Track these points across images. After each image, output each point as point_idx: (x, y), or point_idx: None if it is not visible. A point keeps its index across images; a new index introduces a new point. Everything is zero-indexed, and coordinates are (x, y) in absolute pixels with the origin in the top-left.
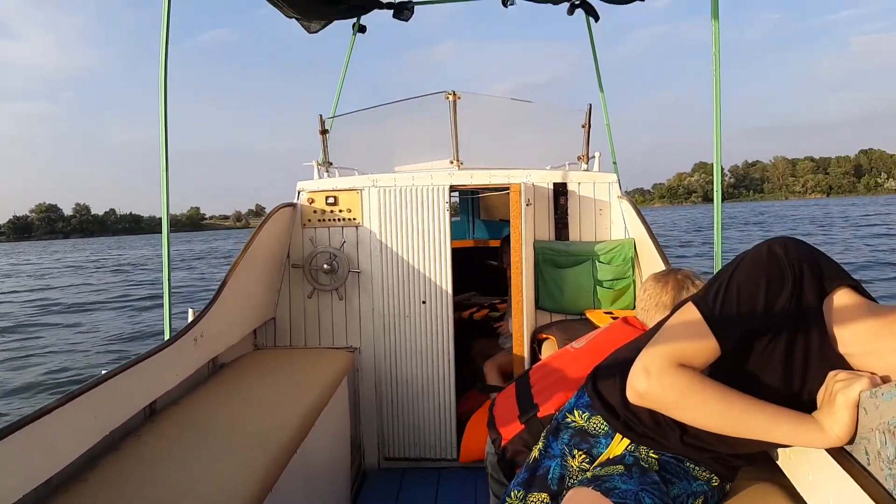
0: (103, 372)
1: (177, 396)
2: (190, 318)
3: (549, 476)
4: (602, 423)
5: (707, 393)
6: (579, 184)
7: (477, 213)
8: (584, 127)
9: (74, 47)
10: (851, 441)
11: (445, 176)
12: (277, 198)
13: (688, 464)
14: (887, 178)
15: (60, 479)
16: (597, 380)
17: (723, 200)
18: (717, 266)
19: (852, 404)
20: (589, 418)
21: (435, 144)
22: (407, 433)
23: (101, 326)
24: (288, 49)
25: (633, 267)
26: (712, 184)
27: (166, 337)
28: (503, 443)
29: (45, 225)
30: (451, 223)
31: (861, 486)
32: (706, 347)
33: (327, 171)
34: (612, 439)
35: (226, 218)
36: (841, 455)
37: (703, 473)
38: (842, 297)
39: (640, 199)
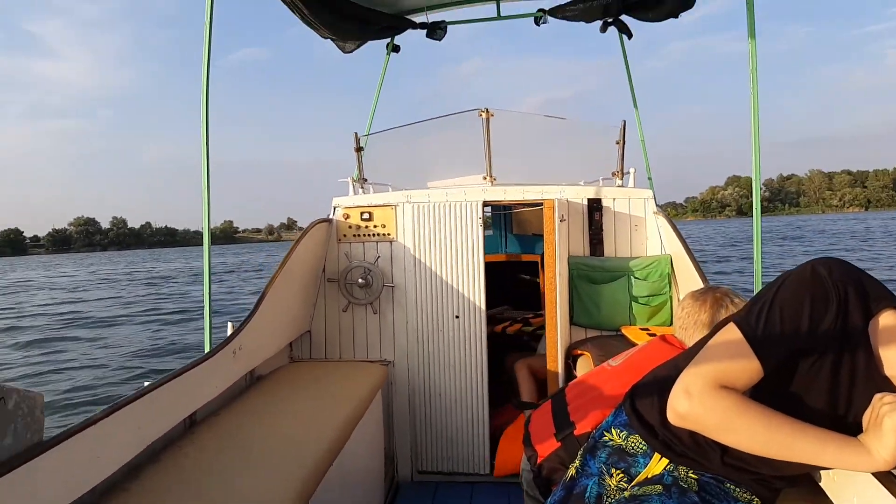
0: (146, 384)
1: (216, 408)
2: (229, 332)
3: (587, 495)
4: (640, 442)
5: (750, 415)
6: (614, 199)
7: (509, 227)
8: (618, 143)
9: (111, 67)
10: None
11: (479, 192)
12: (308, 211)
13: (728, 485)
14: None
15: (104, 488)
16: (635, 398)
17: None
18: (758, 284)
19: None
20: (627, 437)
21: (468, 160)
22: (440, 446)
23: (123, 341)
24: (319, 66)
25: (670, 283)
26: (746, 198)
27: (206, 349)
28: (539, 460)
29: (84, 238)
30: (485, 238)
31: None
32: (749, 369)
33: (362, 188)
34: (651, 458)
35: (258, 231)
36: (888, 479)
37: (744, 495)
38: (888, 319)
39: (672, 212)
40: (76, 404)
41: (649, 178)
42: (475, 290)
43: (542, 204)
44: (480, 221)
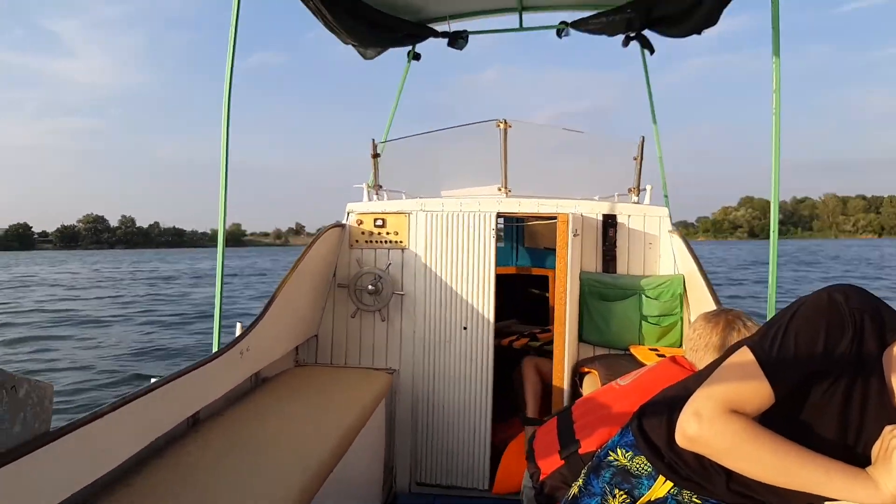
0: (153, 380)
1: (220, 408)
2: (238, 333)
3: None
4: (645, 464)
5: (759, 442)
6: (629, 216)
7: (521, 240)
8: (635, 159)
9: (127, 67)
10: None
11: (493, 203)
12: (317, 217)
13: None
14: None
15: (106, 481)
16: (643, 419)
17: (770, 237)
18: (771, 309)
19: None
20: (632, 458)
21: (483, 171)
22: (440, 459)
23: (111, 343)
24: (334, 73)
25: (682, 304)
26: (759, 219)
27: (214, 349)
28: (542, 477)
29: (92, 235)
30: (497, 249)
31: None
32: (760, 394)
33: (377, 194)
34: (655, 481)
35: (266, 235)
36: None
37: None
38: None
39: (683, 231)
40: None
41: (665, 196)
42: (485, 303)
43: (556, 217)
44: (493, 233)
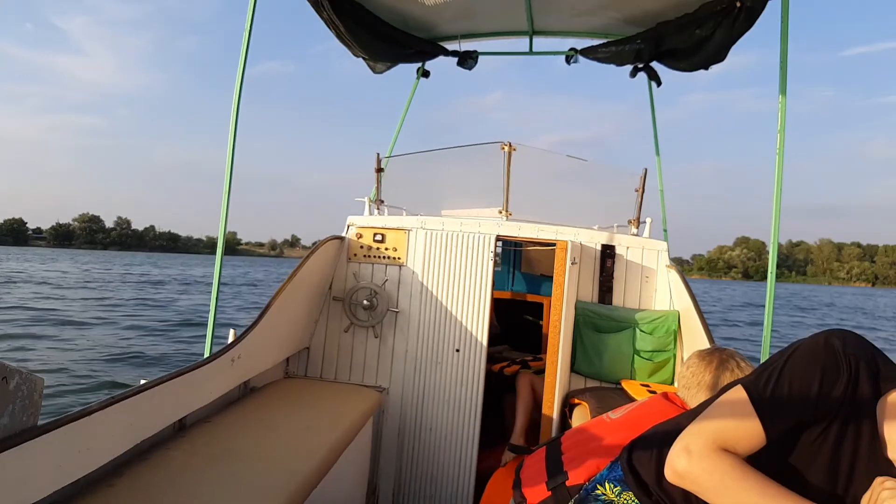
0: (142, 381)
1: (207, 414)
2: (230, 339)
3: None
4: (633, 500)
5: (747, 482)
6: (628, 248)
7: (518, 264)
8: (637, 191)
9: (133, 68)
10: None
11: (493, 225)
12: (313, 230)
13: None
14: None
15: (89, 480)
16: (633, 454)
17: (764, 279)
18: (766, 352)
19: None
20: (620, 493)
21: (484, 192)
22: (424, 482)
23: (87, 346)
24: (338, 88)
25: (676, 340)
26: (754, 260)
27: (206, 354)
28: None
29: (86, 235)
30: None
31: None
32: (752, 434)
33: (378, 209)
34: None
35: (261, 245)
36: None
37: None
38: None
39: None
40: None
41: (665, 230)
42: (479, 326)
43: (555, 244)
44: (492, 255)
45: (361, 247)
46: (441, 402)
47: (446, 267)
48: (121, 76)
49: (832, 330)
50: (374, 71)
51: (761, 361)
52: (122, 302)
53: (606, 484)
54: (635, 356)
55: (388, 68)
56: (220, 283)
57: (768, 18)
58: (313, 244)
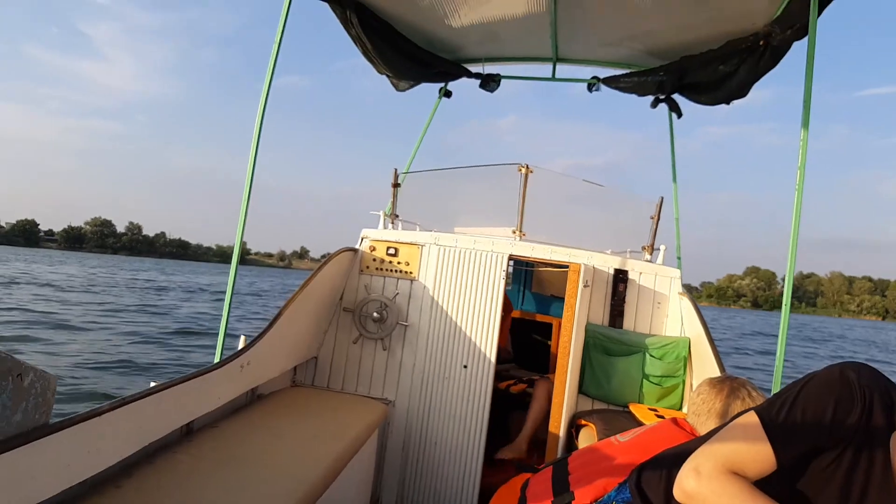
0: (152, 384)
1: (214, 419)
2: (241, 345)
3: None
4: None
5: None
6: (640, 273)
7: (529, 284)
8: (652, 218)
9: (154, 76)
10: None
11: (506, 245)
12: (322, 243)
13: None
14: None
15: (96, 480)
16: (641, 477)
17: (772, 309)
18: (777, 381)
19: None
20: None
21: (498, 211)
22: (427, 497)
23: (76, 352)
24: (354, 105)
25: (686, 367)
26: (764, 290)
27: (216, 359)
28: None
29: (97, 238)
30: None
31: None
32: (763, 459)
33: (392, 223)
34: None
35: (270, 255)
36: None
37: None
38: None
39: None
40: None
41: (678, 258)
42: (487, 343)
43: (567, 266)
44: (503, 275)
45: (374, 259)
46: (447, 417)
47: (457, 283)
48: (141, 83)
49: (847, 362)
50: (398, 89)
51: (773, 390)
52: (123, 307)
53: None
54: (644, 380)
55: (411, 87)
56: (233, 292)
57: (788, 56)
58: (322, 256)
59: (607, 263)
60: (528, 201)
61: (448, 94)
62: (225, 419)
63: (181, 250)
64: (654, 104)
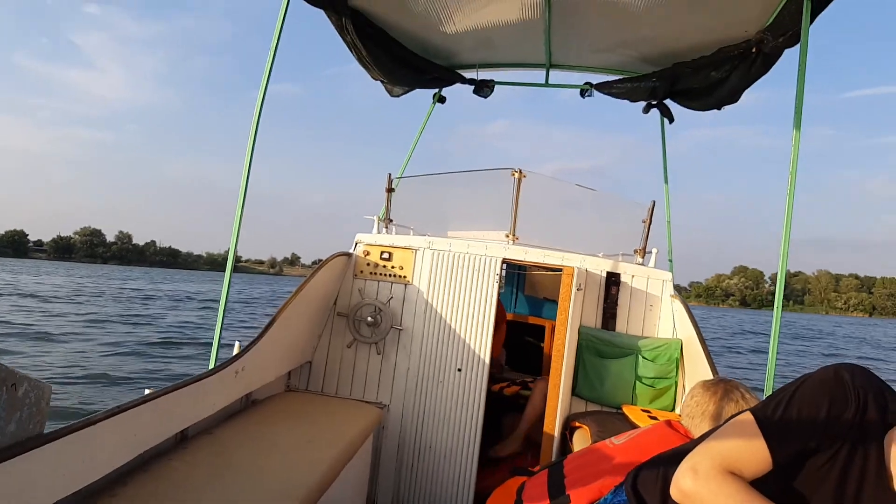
0: (146, 391)
1: (209, 426)
2: (235, 351)
3: None
4: None
5: None
6: (633, 276)
7: (522, 287)
8: (644, 222)
9: (146, 85)
10: None
11: (500, 248)
12: (313, 248)
13: None
14: None
15: (91, 490)
16: (637, 479)
17: (761, 307)
18: (770, 382)
19: None
20: None
21: (491, 215)
22: (422, 501)
23: (46, 365)
24: (344, 113)
25: (678, 368)
26: (752, 289)
27: (211, 365)
28: None
29: (87, 248)
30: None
31: None
32: (759, 458)
33: (386, 228)
34: None
35: (261, 263)
36: None
37: None
38: None
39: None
40: None
41: (670, 261)
42: (481, 346)
43: (560, 269)
44: (497, 278)
45: (368, 264)
46: (441, 421)
47: (451, 287)
48: (132, 92)
49: (841, 363)
50: (392, 94)
51: (766, 389)
52: (105, 317)
53: None
54: (637, 382)
55: (406, 92)
56: (227, 299)
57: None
58: (313, 263)
59: (600, 266)
60: (521, 205)
61: (442, 99)
62: (219, 425)
63: (171, 259)
64: (647, 109)
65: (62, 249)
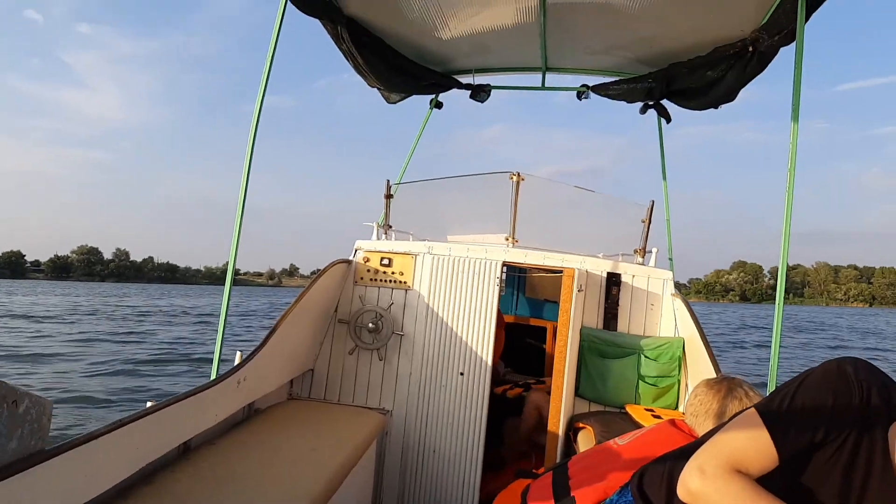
0: (148, 404)
1: (212, 437)
2: (237, 361)
3: None
4: None
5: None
6: (633, 276)
7: (523, 289)
8: (643, 221)
9: (139, 103)
10: None
11: (500, 252)
12: (312, 259)
13: None
14: None
15: None
16: (643, 480)
17: (761, 301)
18: (773, 377)
19: None
20: None
21: (491, 218)
22: None
23: (29, 385)
24: (337, 123)
25: (680, 367)
26: (751, 284)
27: (213, 376)
28: None
29: (84, 267)
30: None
31: None
32: (765, 456)
33: (385, 234)
34: None
35: (259, 275)
36: None
37: None
38: None
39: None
40: None
41: (670, 259)
42: (484, 350)
43: (561, 271)
44: (498, 281)
45: (368, 270)
46: (445, 425)
47: (452, 292)
48: (125, 110)
49: (845, 357)
50: (388, 101)
51: (769, 384)
52: (96, 336)
53: None
54: (640, 381)
55: (402, 98)
56: (227, 312)
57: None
58: (312, 273)
59: (600, 267)
60: (520, 208)
61: (439, 105)
62: (222, 436)
63: (170, 274)
64: (644, 110)
65: (60, 269)
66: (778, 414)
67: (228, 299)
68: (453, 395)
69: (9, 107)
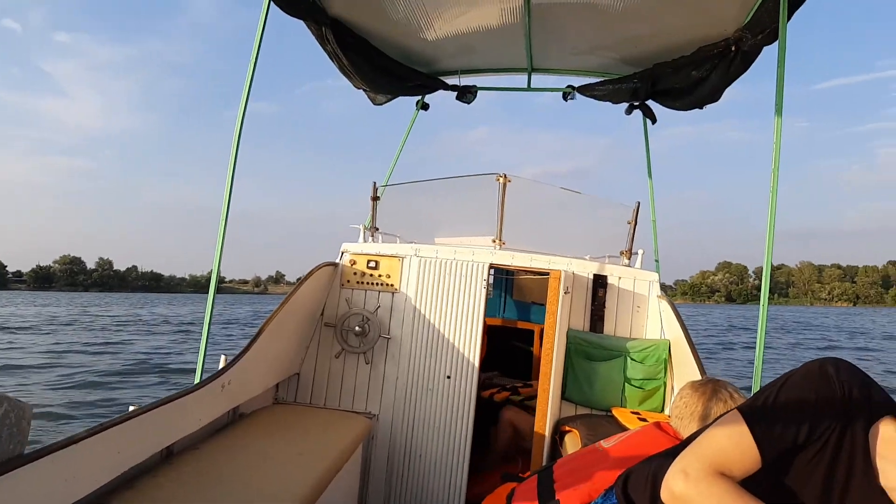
0: (131, 408)
1: (195, 442)
2: (221, 365)
3: None
4: None
5: None
6: (619, 278)
7: (510, 291)
8: (629, 223)
9: (119, 110)
10: None
11: (487, 254)
12: (298, 265)
13: None
14: None
15: None
16: (628, 482)
17: (746, 302)
18: (757, 377)
19: None
20: None
21: (477, 221)
22: None
23: None
24: (322, 124)
25: (666, 369)
26: (736, 284)
27: (196, 380)
28: None
29: (67, 277)
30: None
31: None
32: (748, 458)
33: (372, 236)
34: None
35: (245, 282)
36: None
37: None
38: (888, 429)
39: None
40: None
41: (656, 261)
42: (471, 353)
43: (547, 273)
44: (485, 284)
45: (355, 273)
46: (431, 429)
47: (439, 294)
48: (106, 118)
49: (826, 358)
50: (375, 102)
51: (753, 385)
52: (69, 346)
53: None
54: (626, 384)
55: (388, 100)
56: (212, 315)
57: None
58: (298, 280)
59: (586, 269)
60: (507, 210)
61: (425, 106)
62: (206, 440)
63: (154, 283)
64: (629, 111)
65: (42, 279)
66: (761, 415)
67: (212, 308)
68: (440, 399)
69: None
